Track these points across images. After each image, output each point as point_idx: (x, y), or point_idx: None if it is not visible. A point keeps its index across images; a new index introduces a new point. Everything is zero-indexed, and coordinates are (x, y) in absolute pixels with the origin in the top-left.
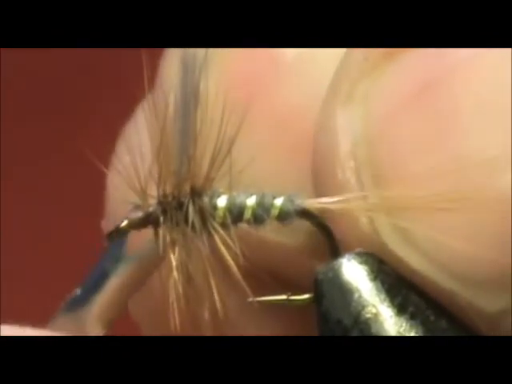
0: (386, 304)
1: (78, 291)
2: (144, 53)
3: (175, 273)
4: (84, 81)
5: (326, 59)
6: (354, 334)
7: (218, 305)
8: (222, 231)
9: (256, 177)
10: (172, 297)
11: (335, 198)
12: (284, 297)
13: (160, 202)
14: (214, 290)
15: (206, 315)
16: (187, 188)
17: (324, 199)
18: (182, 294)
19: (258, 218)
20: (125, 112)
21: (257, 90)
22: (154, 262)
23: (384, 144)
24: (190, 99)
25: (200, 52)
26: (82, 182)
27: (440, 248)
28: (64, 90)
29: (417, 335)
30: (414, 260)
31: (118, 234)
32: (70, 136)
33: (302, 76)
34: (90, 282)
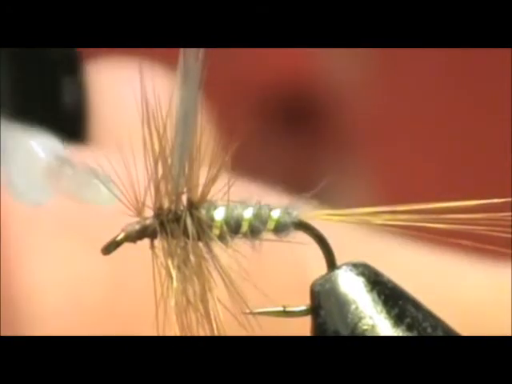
0: (382, 315)
1: None
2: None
3: (174, 283)
4: None
5: None
6: None
7: (214, 314)
8: (220, 242)
9: None
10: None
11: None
12: (281, 308)
13: (157, 215)
14: (212, 302)
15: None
16: (184, 200)
17: (320, 211)
18: (179, 303)
19: (254, 231)
20: None
21: None
22: None
23: None
24: (188, 113)
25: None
26: None
27: None
28: None
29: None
30: None
31: (115, 247)
32: None
33: None
34: None
